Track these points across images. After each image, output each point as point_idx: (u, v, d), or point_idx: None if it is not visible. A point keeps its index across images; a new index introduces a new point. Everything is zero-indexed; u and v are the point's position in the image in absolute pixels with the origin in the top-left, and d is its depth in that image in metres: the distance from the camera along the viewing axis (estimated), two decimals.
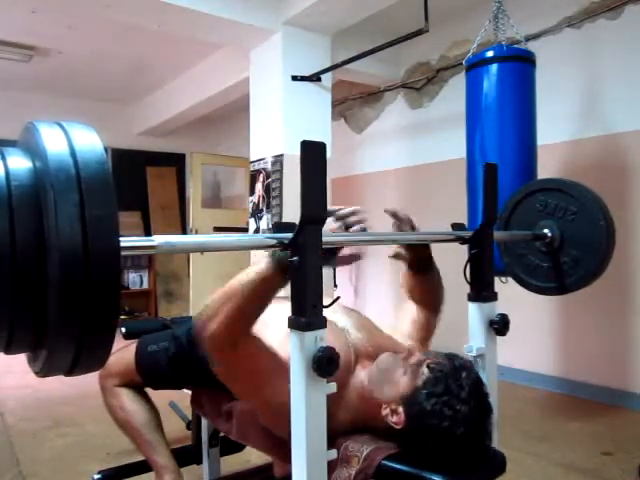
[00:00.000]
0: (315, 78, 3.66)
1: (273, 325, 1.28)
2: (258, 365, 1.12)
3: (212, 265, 5.07)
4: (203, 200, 5.68)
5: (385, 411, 1.11)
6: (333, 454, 1.01)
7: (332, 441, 1.05)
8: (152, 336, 1.67)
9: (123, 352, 1.66)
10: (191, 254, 5.14)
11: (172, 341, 1.60)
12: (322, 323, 0.97)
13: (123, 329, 1.77)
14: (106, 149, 0.77)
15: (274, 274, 1.03)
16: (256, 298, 1.06)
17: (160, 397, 1.70)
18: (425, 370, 1.11)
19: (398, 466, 1.06)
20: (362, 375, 1.19)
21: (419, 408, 1.06)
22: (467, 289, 1.40)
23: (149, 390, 1.69)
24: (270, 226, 3.71)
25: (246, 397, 1.26)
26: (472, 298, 1.38)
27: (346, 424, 1.15)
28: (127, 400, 1.63)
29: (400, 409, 1.09)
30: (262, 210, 3.78)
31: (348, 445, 1.11)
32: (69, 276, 0.69)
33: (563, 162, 3.38)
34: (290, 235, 0.97)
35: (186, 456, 1.85)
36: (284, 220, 3.33)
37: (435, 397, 1.06)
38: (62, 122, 0.80)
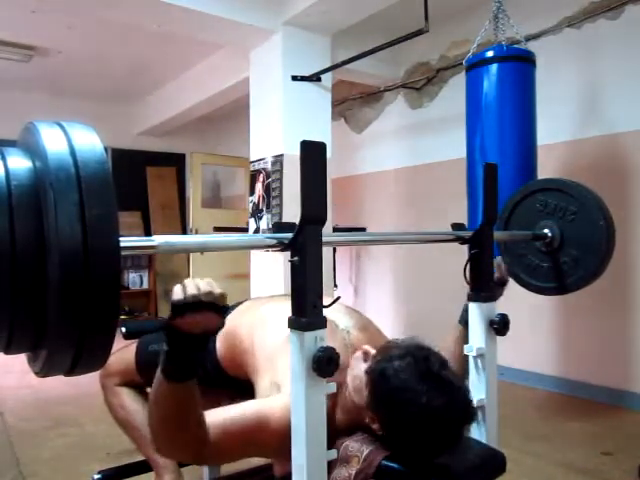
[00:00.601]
0: (315, 78, 3.66)
1: (272, 324, 1.28)
2: (236, 440, 1.05)
3: (212, 265, 5.07)
4: (203, 200, 5.69)
5: (367, 419, 1.10)
6: (333, 454, 1.01)
7: (331, 442, 1.05)
8: (152, 336, 1.67)
9: (123, 352, 1.66)
10: (191, 254, 5.14)
11: None
12: (322, 323, 0.97)
13: (123, 329, 1.77)
14: (106, 149, 0.77)
15: (167, 384, 0.95)
16: (168, 406, 0.98)
17: None
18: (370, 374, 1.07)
19: (398, 467, 1.06)
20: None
21: (383, 409, 1.04)
22: (467, 289, 1.39)
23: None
24: (270, 226, 3.71)
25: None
26: (472, 298, 1.38)
27: (343, 425, 1.15)
28: (128, 399, 1.63)
29: (374, 416, 1.08)
30: (262, 210, 3.78)
31: (348, 445, 1.11)
32: (69, 276, 0.69)
33: (563, 162, 3.37)
34: (290, 235, 0.97)
35: None
36: (284, 220, 3.33)
37: (391, 392, 1.03)
38: (62, 122, 0.80)
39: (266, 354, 1.22)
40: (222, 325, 0.94)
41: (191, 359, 0.95)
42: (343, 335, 1.25)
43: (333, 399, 1.11)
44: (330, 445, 1.01)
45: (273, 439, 1.04)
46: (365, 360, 1.13)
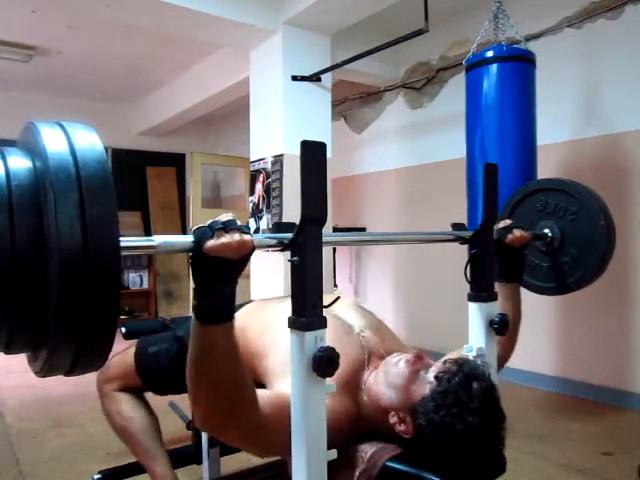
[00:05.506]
0: (315, 78, 3.65)
1: (285, 326, 1.26)
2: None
3: None
4: (203, 200, 5.68)
5: (393, 419, 1.09)
6: (333, 454, 1.01)
7: (342, 448, 1.02)
8: (150, 338, 1.66)
9: (122, 355, 1.63)
10: None
11: (174, 342, 1.58)
12: (322, 323, 0.96)
13: (123, 329, 1.77)
14: (106, 149, 0.77)
15: (203, 327, 0.89)
16: (211, 358, 0.90)
17: (160, 397, 1.69)
18: (433, 380, 1.06)
19: (402, 467, 1.06)
20: (372, 376, 1.16)
21: (428, 419, 1.03)
22: (467, 289, 1.39)
23: (148, 395, 1.67)
24: (270, 226, 3.71)
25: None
26: (472, 298, 1.38)
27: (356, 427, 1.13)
28: (126, 406, 1.59)
29: (408, 418, 1.07)
30: (262, 210, 3.78)
31: (351, 445, 1.11)
32: (69, 276, 0.69)
33: (563, 162, 3.37)
34: (290, 235, 0.97)
35: (186, 456, 1.85)
36: (284, 220, 3.33)
37: (444, 409, 1.01)
38: (62, 122, 0.80)
39: (283, 355, 1.14)
40: (253, 247, 0.88)
41: (227, 292, 0.88)
42: (359, 338, 1.23)
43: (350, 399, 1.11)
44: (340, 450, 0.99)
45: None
46: (414, 363, 1.11)
